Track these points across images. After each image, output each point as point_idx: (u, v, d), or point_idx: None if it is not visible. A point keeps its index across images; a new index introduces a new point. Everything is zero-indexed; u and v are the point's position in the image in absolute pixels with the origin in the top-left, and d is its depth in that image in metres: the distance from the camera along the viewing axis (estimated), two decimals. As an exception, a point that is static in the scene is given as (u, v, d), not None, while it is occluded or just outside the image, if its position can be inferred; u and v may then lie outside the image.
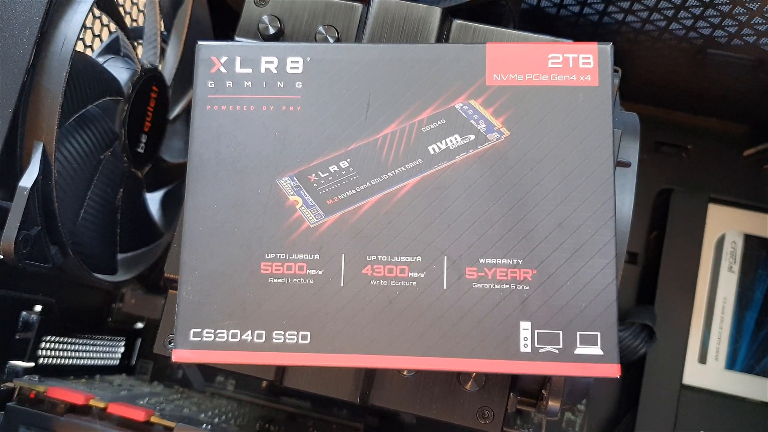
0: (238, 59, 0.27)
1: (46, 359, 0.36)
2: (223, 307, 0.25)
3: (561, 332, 0.25)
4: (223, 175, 0.26)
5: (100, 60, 0.37)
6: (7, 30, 0.29)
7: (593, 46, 0.27)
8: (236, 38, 0.32)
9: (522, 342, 0.25)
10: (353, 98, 0.27)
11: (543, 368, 0.25)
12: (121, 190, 0.38)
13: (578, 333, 0.25)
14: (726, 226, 0.49)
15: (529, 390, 0.31)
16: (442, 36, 0.31)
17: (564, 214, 0.26)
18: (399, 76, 0.27)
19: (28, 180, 0.29)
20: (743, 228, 0.49)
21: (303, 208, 0.26)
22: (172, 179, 0.45)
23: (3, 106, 0.29)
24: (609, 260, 0.25)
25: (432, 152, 0.26)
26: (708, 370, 0.47)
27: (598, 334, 0.25)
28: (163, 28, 0.44)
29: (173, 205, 0.45)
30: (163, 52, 0.44)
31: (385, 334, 0.25)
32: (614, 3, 0.40)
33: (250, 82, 0.27)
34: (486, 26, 0.31)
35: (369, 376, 0.31)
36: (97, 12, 0.38)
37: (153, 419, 0.31)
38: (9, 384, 0.32)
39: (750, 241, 0.49)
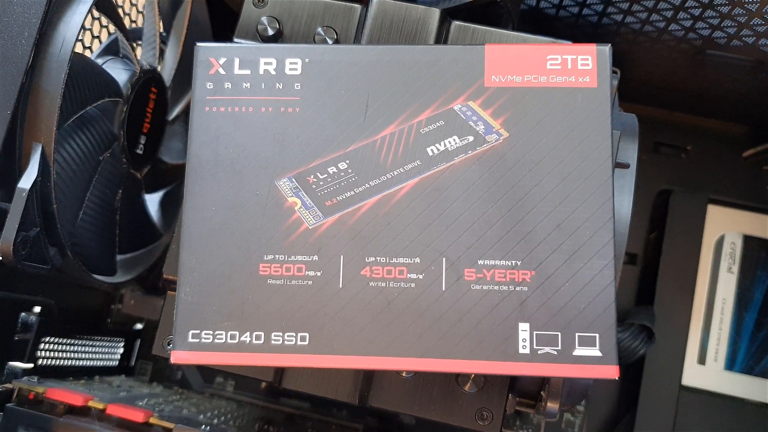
0: (236, 61, 0.27)
1: (45, 360, 0.36)
2: (222, 309, 0.25)
3: (559, 334, 0.25)
4: (222, 177, 0.26)
5: (99, 61, 0.37)
6: (5, 31, 0.29)
7: (592, 47, 0.27)
8: (235, 39, 0.32)
9: (520, 343, 0.25)
10: (352, 99, 0.27)
11: (541, 369, 0.25)
12: (120, 191, 0.38)
13: (577, 334, 0.25)
14: (725, 227, 0.49)
15: (527, 391, 0.31)
16: (441, 37, 0.31)
17: (563, 215, 0.26)
18: (398, 77, 0.27)
19: (26, 181, 0.29)
20: (742, 229, 0.49)
21: (302, 209, 0.26)
22: (171, 180, 0.45)
23: (2, 107, 0.29)
24: (607, 261, 0.25)
25: (431, 153, 0.26)
26: (707, 370, 0.47)
27: (597, 335, 0.25)
28: (162, 29, 0.44)
29: (172, 206, 0.45)
30: (162, 53, 0.44)
31: (383, 336, 0.25)
32: (613, 4, 0.40)
33: (248, 84, 0.27)
34: (485, 27, 0.31)
35: (368, 377, 0.31)
36: (96, 13, 0.38)
37: (152, 420, 0.31)
38: (8, 385, 0.32)
39: (749, 241, 0.49)
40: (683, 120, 0.52)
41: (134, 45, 0.42)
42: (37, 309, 0.35)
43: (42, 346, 0.36)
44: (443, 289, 0.25)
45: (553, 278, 0.25)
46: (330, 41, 0.31)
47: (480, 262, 0.25)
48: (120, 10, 0.40)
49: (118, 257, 0.40)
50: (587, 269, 0.25)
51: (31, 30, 0.29)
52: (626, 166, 0.31)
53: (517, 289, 0.25)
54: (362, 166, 0.26)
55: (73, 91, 0.33)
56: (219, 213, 0.26)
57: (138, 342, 0.48)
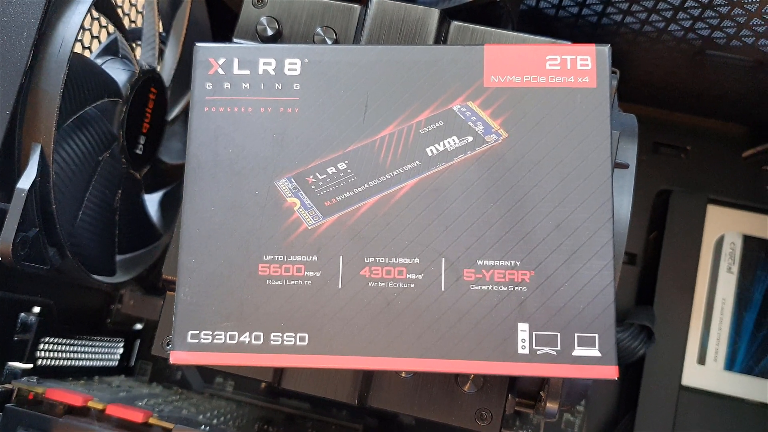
0: (235, 61, 0.27)
1: (45, 360, 0.36)
2: (221, 309, 0.25)
3: (559, 334, 0.25)
4: (221, 177, 0.26)
5: (99, 61, 0.37)
6: (5, 32, 0.29)
7: (591, 47, 0.27)
8: (234, 39, 0.32)
9: (520, 344, 0.25)
10: (351, 100, 0.27)
11: (541, 370, 0.25)
12: (120, 191, 0.38)
13: (576, 335, 0.25)
14: (725, 227, 0.49)
15: (527, 391, 0.31)
16: (440, 37, 0.31)
17: (562, 215, 0.26)
18: (397, 77, 0.27)
19: (26, 182, 0.29)
20: (742, 229, 0.49)
21: (301, 209, 0.26)
22: (171, 180, 0.45)
23: (1, 107, 0.29)
24: (607, 262, 0.25)
25: (430, 154, 0.26)
26: (707, 371, 0.47)
27: (596, 335, 0.25)
28: (161, 29, 0.44)
29: (172, 206, 0.45)
30: (161, 53, 0.44)
31: (383, 336, 0.25)
32: (613, 4, 0.40)
33: (247, 84, 0.27)
34: (484, 28, 0.31)
35: (367, 377, 0.31)
36: (95, 13, 0.38)
37: (151, 420, 0.31)
38: (7, 385, 0.32)
39: (749, 242, 0.49)
40: (683, 120, 0.52)
41: (134, 45, 0.42)
42: (37, 309, 0.35)
43: (41, 346, 0.36)
44: (442, 289, 0.25)
45: (552, 278, 0.25)
46: (329, 41, 0.31)
47: (479, 262, 0.25)
48: (119, 10, 0.40)
49: (118, 257, 0.40)
50: (586, 269, 0.25)
51: (30, 30, 0.29)
52: (625, 166, 0.31)
53: (517, 289, 0.25)
54: (361, 167, 0.26)
55: (73, 92, 0.33)
56: (218, 213, 0.26)
57: (138, 342, 0.48)
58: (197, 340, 0.25)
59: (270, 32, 0.31)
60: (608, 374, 0.25)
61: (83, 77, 0.34)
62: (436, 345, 0.25)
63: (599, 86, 0.26)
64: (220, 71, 0.27)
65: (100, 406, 0.31)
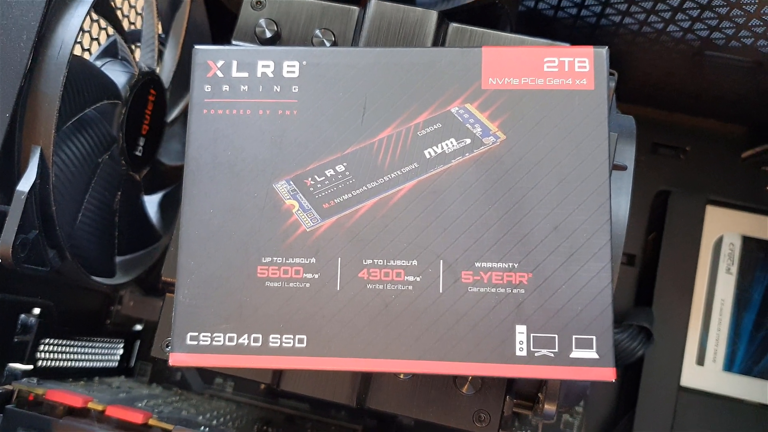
0: (234, 63, 0.27)
1: (45, 362, 0.36)
2: (220, 311, 0.26)
3: (556, 336, 0.25)
4: (220, 179, 0.26)
5: (98, 63, 0.37)
6: (4, 34, 0.29)
7: (589, 49, 0.27)
8: (233, 42, 0.32)
9: (518, 346, 0.25)
10: (349, 102, 0.27)
11: (538, 372, 0.25)
12: (119, 193, 0.38)
13: (574, 337, 0.25)
14: (724, 228, 0.49)
15: (525, 393, 0.32)
16: (439, 39, 0.31)
17: (560, 217, 0.26)
18: (395, 80, 0.27)
19: (25, 184, 0.29)
20: (741, 230, 0.49)
21: (299, 212, 0.26)
22: (170, 182, 0.45)
23: (1, 110, 0.29)
24: (604, 264, 0.25)
25: (428, 156, 0.27)
26: (706, 371, 0.47)
27: (594, 337, 0.25)
28: (160, 31, 0.44)
29: (171, 207, 0.45)
30: (160, 54, 0.44)
31: (381, 338, 0.25)
32: (611, 5, 0.40)
33: (246, 86, 0.27)
34: (482, 29, 0.31)
35: (365, 379, 0.31)
36: (94, 15, 0.38)
37: (151, 422, 0.31)
38: (8, 386, 0.32)
39: (748, 242, 0.49)
40: (682, 121, 0.52)
41: (133, 47, 0.42)
42: (37, 311, 0.35)
43: (41, 347, 0.36)
44: (440, 291, 0.25)
45: (550, 280, 0.25)
46: (328, 43, 0.31)
47: (477, 264, 0.26)
48: (119, 12, 0.40)
49: (117, 259, 0.40)
50: (584, 271, 0.25)
51: (29, 33, 0.29)
52: (624, 168, 0.31)
53: (514, 291, 0.25)
54: (360, 169, 0.26)
55: (72, 94, 0.33)
56: (217, 215, 0.26)
57: (137, 343, 0.48)
58: (196, 342, 0.25)
59: (269, 34, 0.31)
60: (606, 376, 0.25)
61: (83, 79, 0.34)
62: (434, 347, 0.25)
63: (597, 88, 0.26)
64: (219, 73, 0.27)
65: (100, 407, 0.31)
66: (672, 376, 0.47)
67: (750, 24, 0.38)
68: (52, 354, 0.37)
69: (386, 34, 0.31)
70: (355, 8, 0.32)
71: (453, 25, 0.31)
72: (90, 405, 0.31)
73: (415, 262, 0.26)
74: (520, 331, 0.25)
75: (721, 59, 0.42)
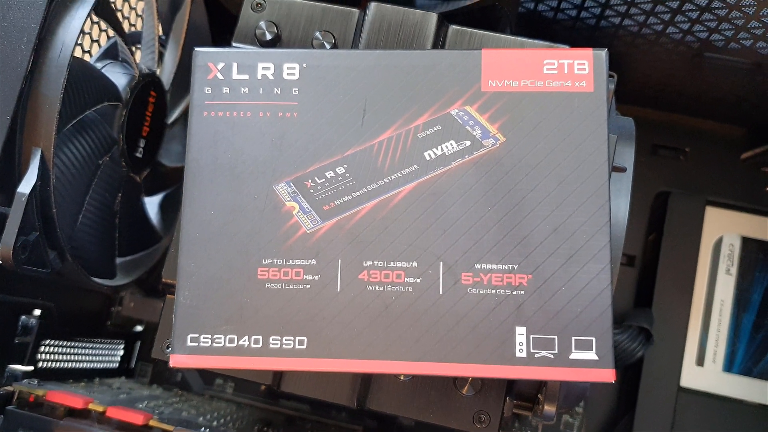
0: (234, 65, 0.27)
1: (46, 363, 0.36)
2: (221, 313, 0.26)
3: (556, 337, 0.25)
4: (221, 181, 0.27)
5: (98, 65, 0.37)
6: (5, 37, 0.29)
7: (588, 52, 0.27)
8: (233, 44, 0.32)
9: (517, 347, 0.25)
10: (349, 104, 0.27)
11: (538, 373, 0.25)
12: (120, 194, 0.38)
13: (573, 338, 0.25)
14: (724, 229, 0.49)
15: (525, 394, 0.32)
16: (439, 41, 0.31)
17: (559, 219, 0.26)
18: (395, 82, 0.27)
19: (26, 186, 0.29)
20: (741, 231, 0.49)
21: (299, 213, 0.26)
22: (171, 183, 0.45)
23: (1, 112, 0.29)
24: (604, 265, 0.25)
25: (428, 158, 0.27)
26: (705, 372, 0.47)
27: (593, 339, 0.25)
28: (161, 33, 0.44)
29: (172, 208, 0.45)
30: (161, 56, 0.44)
31: (381, 340, 0.25)
32: (611, 7, 0.41)
33: (246, 89, 0.27)
34: (482, 32, 0.31)
35: (366, 380, 0.31)
36: (95, 17, 0.39)
37: (152, 423, 0.31)
38: (8, 388, 0.32)
39: (747, 243, 0.49)
40: (681, 122, 0.52)
41: (133, 49, 0.42)
42: (37, 312, 0.35)
43: (42, 348, 0.36)
44: (440, 292, 0.26)
45: (549, 282, 0.25)
46: (328, 46, 0.31)
47: (477, 266, 0.26)
48: (119, 14, 0.40)
49: (118, 260, 0.40)
50: (584, 273, 0.25)
51: (30, 35, 0.29)
52: (623, 169, 0.31)
53: (514, 292, 0.25)
54: (360, 171, 0.27)
55: (73, 96, 0.33)
56: (217, 217, 0.26)
57: (138, 344, 0.48)
58: (197, 344, 0.25)
59: (269, 36, 0.31)
60: (605, 377, 0.25)
61: (83, 81, 0.34)
62: (434, 348, 0.25)
63: (596, 90, 0.26)
64: (219, 76, 0.27)
65: (100, 409, 0.31)
66: (672, 376, 0.47)
67: (749, 26, 0.38)
68: (52, 355, 0.37)
69: (386, 37, 0.31)
70: (355, 10, 0.32)
71: (453, 27, 0.32)
72: (90, 406, 0.31)
73: (415, 264, 0.26)
74: (520, 332, 0.25)
75: (721, 61, 0.42)
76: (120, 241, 0.39)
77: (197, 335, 0.26)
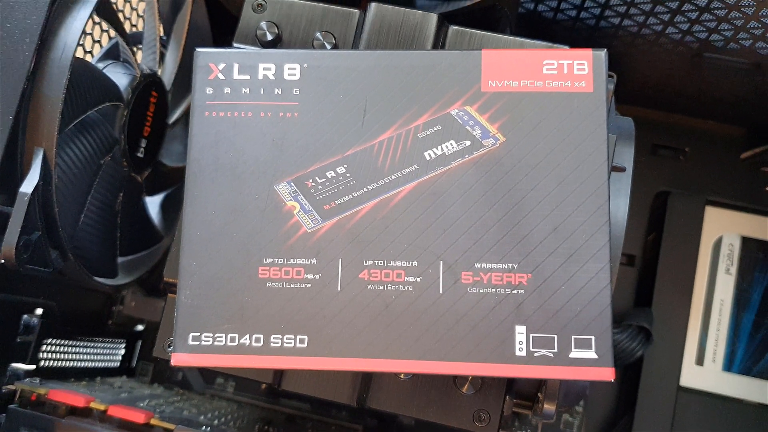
0: (235, 66, 0.27)
1: (47, 362, 0.36)
2: (222, 312, 0.26)
3: (556, 336, 0.25)
4: (222, 181, 0.27)
5: (100, 65, 0.37)
6: (7, 37, 0.29)
7: (588, 52, 0.27)
8: (234, 44, 0.32)
9: (517, 346, 0.25)
10: (350, 104, 0.27)
11: (538, 372, 0.25)
12: (121, 194, 0.39)
13: (573, 337, 0.25)
14: (723, 229, 0.49)
15: (525, 393, 0.32)
16: (439, 42, 0.32)
17: (559, 219, 0.26)
18: (395, 82, 0.27)
19: (28, 185, 0.29)
20: (740, 230, 0.49)
21: (300, 213, 0.26)
22: (172, 183, 0.46)
23: (4, 112, 0.29)
24: (603, 265, 0.25)
25: (428, 158, 0.27)
26: (705, 371, 0.47)
27: (593, 338, 0.25)
28: (162, 33, 0.44)
29: (173, 208, 0.46)
30: (162, 57, 0.44)
31: (381, 338, 0.25)
32: (610, 8, 0.41)
33: (247, 89, 0.27)
34: (482, 32, 0.31)
35: (366, 379, 0.31)
36: (96, 18, 0.39)
37: (153, 421, 0.31)
38: (10, 386, 0.32)
39: (747, 243, 0.49)
40: (681, 122, 0.53)
41: (134, 49, 0.42)
42: (39, 311, 0.35)
43: (44, 347, 0.36)
44: (440, 292, 0.26)
45: (549, 281, 0.25)
46: (328, 46, 0.31)
47: (477, 265, 0.26)
48: (120, 15, 0.41)
49: (119, 259, 0.40)
50: (583, 272, 0.25)
51: (32, 36, 0.29)
52: (622, 169, 0.32)
53: (514, 292, 0.25)
54: (360, 171, 0.27)
55: (75, 96, 0.33)
56: (219, 217, 0.26)
57: (139, 343, 0.48)
58: (198, 342, 0.26)
59: (270, 37, 0.31)
60: (605, 376, 0.25)
61: (85, 82, 0.34)
62: (435, 347, 0.25)
63: (596, 90, 0.27)
64: (221, 76, 0.27)
65: (102, 407, 0.31)
66: (671, 376, 0.47)
67: (748, 26, 0.38)
68: (54, 354, 0.37)
69: (386, 37, 0.31)
70: (356, 11, 0.32)
71: (453, 28, 0.32)
72: (92, 405, 0.31)
73: (415, 263, 0.26)
74: (520, 331, 0.25)
75: (720, 61, 0.43)
76: (121, 241, 0.39)
77: (199, 334, 0.26)
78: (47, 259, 0.31)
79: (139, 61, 0.41)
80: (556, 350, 0.25)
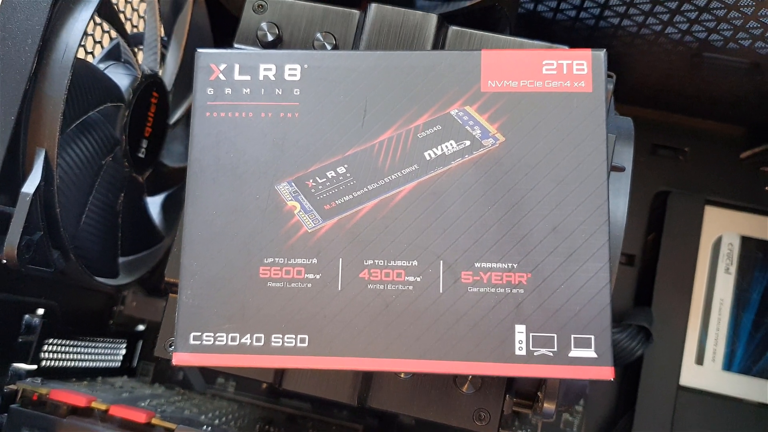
0: (236, 66, 0.28)
1: (49, 362, 0.37)
2: (223, 311, 0.26)
3: (555, 335, 0.25)
4: (223, 181, 0.27)
5: (101, 66, 0.38)
6: (9, 38, 0.29)
7: (587, 52, 0.27)
8: (235, 45, 0.32)
9: (517, 345, 0.25)
10: (350, 105, 0.27)
11: (538, 371, 0.25)
12: (122, 194, 0.39)
13: (572, 336, 0.25)
14: (723, 228, 0.49)
15: (525, 392, 0.32)
16: (439, 42, 0.32)
17: (558, 218, 0.26)
18: (395, 83, 0.27)
19: (30, 186, 0.29)
20: (740, 230, 0.49)
21: (301, 213, 0.27)
22: (173, 183, 0.46)
23: (6, 113, 0.29)
24: (603, 264, 0.26)
25: (428, 158, 0.27)
26: (705, 371, 0.48)
27: (592, 337, 0.25)
28: (163, 34, 0.44)
29: (174, 208, 0.46)
30: (163, 57, 0.44)
31: (382, 338, 0.25)
32: (610, 8, 0.41)
33: (248, 89, 0.27)
34: (482, 32, 0.32)
35: (367, 378, 0.31)
36: (98, 19, 0.39)
37: (154, 421, 0.31)
38: (12, 386, 0.32)
39: (747, 242, 0.49)
40: (681, 122, 0.53)
41: (136, 50, 0.43)
42: (41, 311, 0.35)
43: (45, 347, 0.36)
44: (440, 291, 0.26)
45: (549, 281, 0.26)
46: (329, 47, 0.31)
47: (477, 264, 0.26)
48: (121, 16, 0.41)
49: (120, 260, 0.40)
50: (583, 272, 0.26)
51: (34, 37, 0.29)
52: (621, 169, 0.32)
53: (514, 291, 0.26)
54: (360, 171, 0.27)
55: (76, 97, 0.33)
56: (220, 217, 0.27)
57: (140, 343, 0.48)
58: (199, 342, 0.26)
59: (270, 38, 0.32)
60: (604, 375, 0.25)
61: (86, 82, 0.34)
62: (435, 346, 0.25)
63: (595, 90, 0.27)
64: (222, 77, 0.28)
65: (103, 407, 0.31)
66: (671, 375, 0.47)
67: (747, 26, 0.38)
68: (55, 354, 0.37)
69: (386, 38, 0.31)
70: (356, 12, 0.32)
71: (452, 28, 0.32)
72: (93, 404, 0.31)
73: (415, 263, 0.26)
74: (520, 330, 0.25)
75: (719, 61, 0.43)
76: (122, 241, 0.40)
77: (200, 333, 0.26)
78: (49, 259, 0.31)
79: (140, 62, 0.41)
80: (555, 349, 0.25)
